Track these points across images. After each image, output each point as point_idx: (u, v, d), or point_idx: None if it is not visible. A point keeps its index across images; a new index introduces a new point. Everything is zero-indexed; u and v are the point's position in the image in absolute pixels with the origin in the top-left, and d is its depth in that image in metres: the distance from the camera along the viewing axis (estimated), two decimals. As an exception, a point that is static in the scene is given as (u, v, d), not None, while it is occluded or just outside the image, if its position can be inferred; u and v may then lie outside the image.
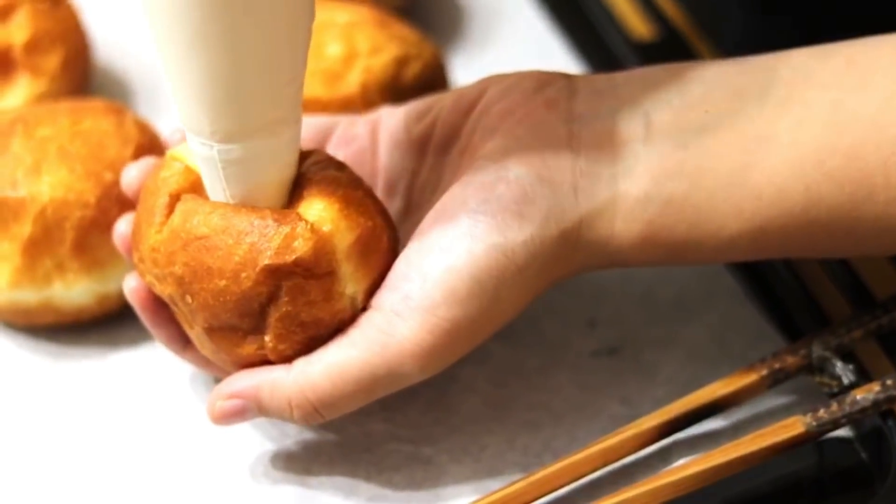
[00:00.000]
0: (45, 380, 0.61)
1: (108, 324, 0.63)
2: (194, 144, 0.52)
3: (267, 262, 0.52)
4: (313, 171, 0.54)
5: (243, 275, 0.52)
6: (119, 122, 0.64)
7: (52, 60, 0.70)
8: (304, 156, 0.55)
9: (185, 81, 0.50)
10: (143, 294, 0.57)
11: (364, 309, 0.54)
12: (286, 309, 0.52)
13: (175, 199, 0.54)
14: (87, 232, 0.61)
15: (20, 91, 0.69)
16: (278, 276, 0.52)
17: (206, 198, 0.54)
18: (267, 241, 0.52)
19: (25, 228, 0.61)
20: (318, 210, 0.53)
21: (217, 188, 0.53)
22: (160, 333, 0.57)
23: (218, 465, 0.58)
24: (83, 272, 0.61)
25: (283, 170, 0.53)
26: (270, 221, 0.52)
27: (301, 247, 0.52)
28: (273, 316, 0.53)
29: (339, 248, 0.53)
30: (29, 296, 0.61)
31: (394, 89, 0.67)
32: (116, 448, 0.58)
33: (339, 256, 0.53)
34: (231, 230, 0.52)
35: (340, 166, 0.55)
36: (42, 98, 0.69)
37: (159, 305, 0.57)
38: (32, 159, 0.61)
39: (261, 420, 0.59)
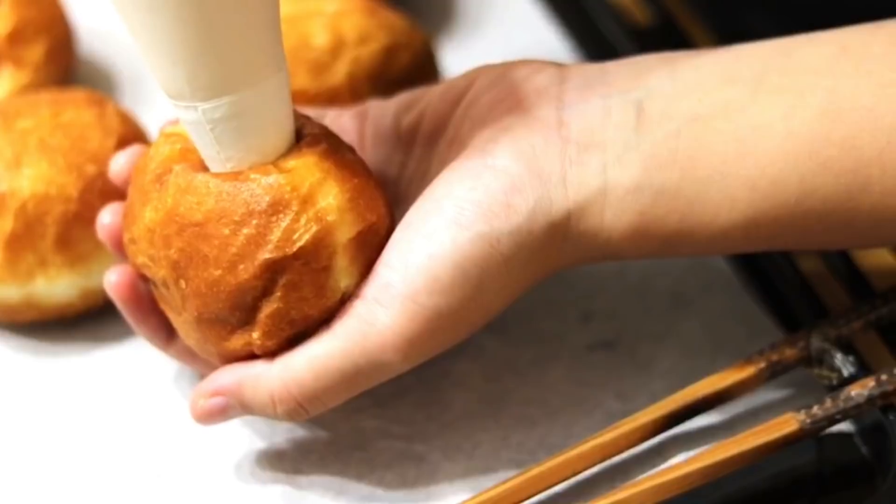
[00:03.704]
0: (28, 377, 0.61)
1: (92, 320, 0.62)
2: (179, 111, 0.51)
3: (267, 255, 0.51)
4: (332, 144, 0.53)
5: (240, 267, 0.51)
6: (101, 113, 0.63)
7: (36, 51, 0.69)
8: (314, 125, 0.54)
9: (155, 41, 0.49)
10: (125, 288, 0.56)
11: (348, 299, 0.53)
12: (277, 306, 0.51)
13: (167, 170, 0.53)
14: (70, 226, 0.60)
15: (3, 82, 0.69)
16: (276, 270, 0.51)
17: (201, 167, 0.53)
18: (267, 233, 0.51)
19: (6, 223, 0.60)
20: (329, 196, 0.51)
21: (212, 154, 0.52)
22: (143, 328, 0.57)
23: (205, 463, 0.57)
24: (66, 267, 0.60)
25: (276, 123, 0.52)
26: (266, 208, 0.51)
27: (302, 238, 0.51)
28: (264, 312, 0.52)
29: (338, 241, 0.52)
30: (11, 292, 0.60)
31: (382, 80, 0.66)
32: (101, 446, 0.58)
33: (337, 249, 0.52)
34: (227, 219, 0.51)
35: (352, 150, 0.54)
36: (26, 89, 0.69)
37: (142, 299, 0.56)
38: (12, 152, 0.61)
39: (249, 417, 0.58)
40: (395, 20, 0.68)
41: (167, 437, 0.58)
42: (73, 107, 0.63)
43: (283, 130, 0.52)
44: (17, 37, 0.69)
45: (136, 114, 0.66)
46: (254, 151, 0.52)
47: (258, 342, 0.52)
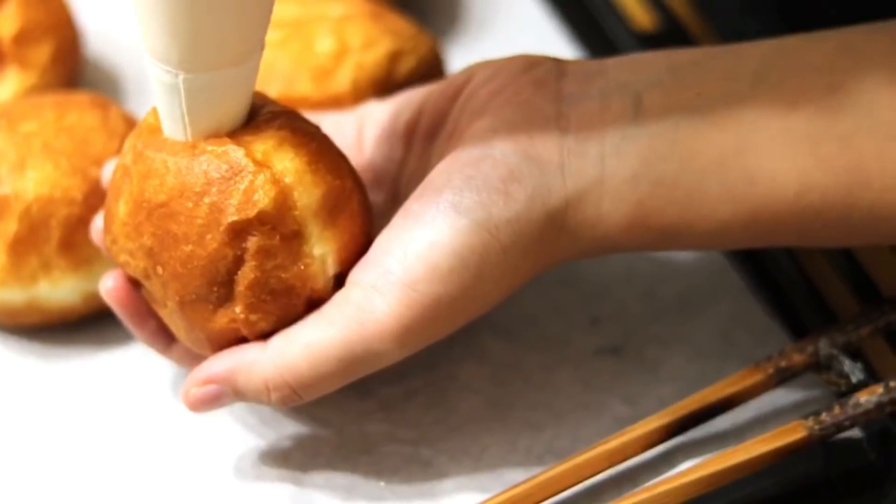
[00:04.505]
0: (31, 381, 0.60)
1: (95, 323, 0.62)
2: (157, 71, 0.51)
3: (230, 219, 0.51)
4: (290, 118, 0.53)
5: (208, 237, 0.51)
6: (104, 115, 0.63)
7: (42, 53, 0.69)
8: (274, 104, 0.54)
9: (155, 10, 0.49)
10: (121, 293, 0.56)
11: (339, 282, 0.53)
12: (254, 275, 0.52)
13: (131, 161, 0.53)
14: (74, 229, 0.60)
15: (9, 84, 0.69)
16: (243, 234, 0.51)
17: (157, 142, 0.53)
18: (227, 197, 0.51)
19: (10, 226, 0.60)
20: (286, 160, 0.52)
21: (176, 116, 0.52)
22: (142, 332, 0.57)
23: (211, 466, 0.57)
24: (70, 270, 0.60)
25: (244, 98, 0.52)
26: (224, 174, 0.51)
27: (262, 199, 0.51)
28: (241, 284, 0.52)
29: (301, 203, 0.52)
30: (15, 295, 0.60)
31: (387, 85, 0.65)
32: (107, 448, 0.58)
33: (305, 213, 0.52)
34: (189, 193, 0.52)
35: (315, 126, 0.55)
36: (31, 91, 0.69)
37: (139, 303, 0.56)
38: (16, 155, 0.61)
39: (255, 420, 0.58)
40: (400, 25, 0.68)
41: (172, 440, 0.58)
42: (77, 109, 0.62)
43: (246, 104, 0.53)
44: (23, 38, 0.68)
45: (141, 116, 0.66)
46: (216, 121, 0.52)
47: (242, 316, 0.52)
